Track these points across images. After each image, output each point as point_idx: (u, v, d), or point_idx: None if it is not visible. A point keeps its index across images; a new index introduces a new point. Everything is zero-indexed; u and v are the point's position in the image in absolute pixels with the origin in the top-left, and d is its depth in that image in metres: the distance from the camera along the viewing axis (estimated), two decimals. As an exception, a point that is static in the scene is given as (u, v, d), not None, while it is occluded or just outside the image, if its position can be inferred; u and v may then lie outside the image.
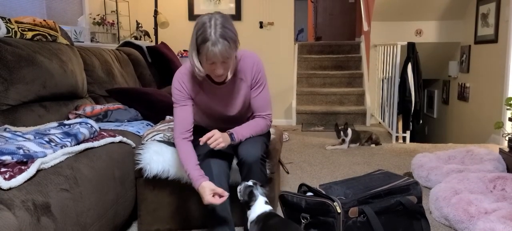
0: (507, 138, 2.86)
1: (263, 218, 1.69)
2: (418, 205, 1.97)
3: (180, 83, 1.86)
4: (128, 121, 2.55)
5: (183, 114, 1.86)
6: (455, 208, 2.18)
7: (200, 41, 1.67)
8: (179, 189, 2.15)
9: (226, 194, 1.76)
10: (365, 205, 1.84)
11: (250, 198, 1.74)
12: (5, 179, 1.29)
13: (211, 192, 1.73)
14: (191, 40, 1.73)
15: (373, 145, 4.27)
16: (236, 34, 1.73)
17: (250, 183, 1.77)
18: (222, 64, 1.70)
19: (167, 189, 2.15)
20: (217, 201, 1.73)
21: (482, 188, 2.40)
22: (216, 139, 1.76)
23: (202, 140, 1.77)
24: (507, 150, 2.86)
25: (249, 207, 1.75)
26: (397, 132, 4.49)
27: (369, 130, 4.63)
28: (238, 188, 1.79)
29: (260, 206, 1.73)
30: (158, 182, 2.13)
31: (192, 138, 1.88)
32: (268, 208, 1.74)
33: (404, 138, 4.50)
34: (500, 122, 3.02)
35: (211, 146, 1.76)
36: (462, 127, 5.24)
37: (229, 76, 1.88)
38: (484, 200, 2.17)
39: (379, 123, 5.49)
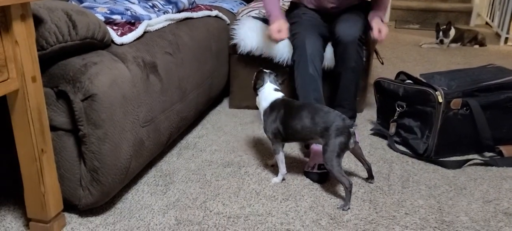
0: None
1: (281, 103, 1.54)
2: (531, 104, 1.79)
3: None
4: (222, -2, 2.55)
5: None
6: None
7: None
8: (271, 69, 2.15)
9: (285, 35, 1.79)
10: (470, 98, 1.72)
11: (257, 83, 1.59)
12: (118, 35, 1.36)
13: (278, 28, 1.78)
14: None
15: (476, 46, 3.90)
16: None
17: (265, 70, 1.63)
18: None
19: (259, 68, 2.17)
20: (281, 36, 1.78)
21: None
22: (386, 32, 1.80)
23: (375, 33, 1.79)
24: None
25: (256, 93, 1.61)
26: (507, 32, 4.01)
27: (475, 29, 4.19)
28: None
29: (270, 92, 1.57)
30: (251, 60, 2.15)
31: None
32: (280, 94, 1.58)
33: (514, 40, 4.03)
34: None
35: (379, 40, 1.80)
36: None
37: None
38: None
39: (486, 23, 4.93)
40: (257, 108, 2.28)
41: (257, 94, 1.62)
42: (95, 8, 1.45)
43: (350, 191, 1.42)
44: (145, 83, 1.39)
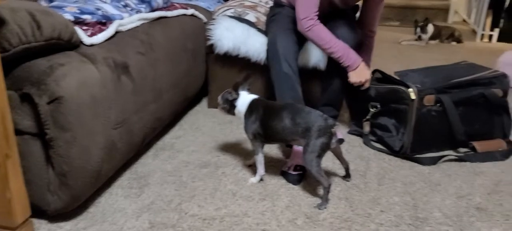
0: None
1: (261, 104, 1.53)
2: (502, 99, 1.83)
3: None
4: (199, -3, 2.52)
5: None
6: (545, 108, 1.99)
7: None
8: (249, 68, 2.14)
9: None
10: (443, 94, 1.73)
11: (232, 98, 1.56)
12: (87, 36, 1.33)
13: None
14: None
15: (454, 42, 3.95)
16: None
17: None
18: None
19: (237, 67, 2.16)
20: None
21: None
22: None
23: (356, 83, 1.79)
24: None
25: (234, 107, 1.58)
26: (483, 29, 4.08)
27: (452, 26, 4.26)
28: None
29: (245, 97, 1.56)
30: (228, 59, 2.14)
31: None
32: (256, 96, 1.57)
33: (490, 37, 4.10)
34: None
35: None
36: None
37: None
38: None
39: (463, 20, 5.01)
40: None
41: (234, 112, 1.60)
42: (64, 8, 1.42)
43: (328, 191, 1.42)
44: (116, 84, 1.36)
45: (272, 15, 1.96)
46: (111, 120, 1.35)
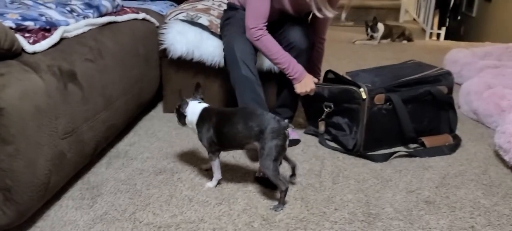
0: (552, 35, 2.67)
1: (212, 112, 1.51)
2: (448, 96, 1.91)
3: None
4: (151, 0, 2.47)
5: (266, 2, 1.70)
6: (486, 102, 2.11)
7: None
8: (203, 72, 2.13)
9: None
10: (392, 93, 1.79)
11: (182, 105, 1.53)
12: (29, 43, 1.28)
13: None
14: None
15: (405, 41, 4.11)
16: None
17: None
18: None
19: (192, 71, 2.14)
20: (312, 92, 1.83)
21: (518, 84, 2.29)
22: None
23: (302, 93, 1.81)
24: (550, 47, 2.69)
25: (184, 117, 1.55)
26: (431, 28, 4.27)
27: (403, 25, 4.42)
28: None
29: (195, 106, 1.53)
30: (183, 63, 2.11)
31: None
32: (206, 104, 1.56)
33: (438, 35, 4.29)
34: (548, 17, 2.79)
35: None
36: (503, 26, 4.92)
37: None
38: (519, 95, 2.08)
39: (413, 19, 5.22)
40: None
41: (185, 122, 1.56)
42: (5, 15, 1.35)
43: (285, 194, 1.43)
44: (63, 93, 1.32)
45: (226, 18, 1.95)
46: (59, 130, 1.30)
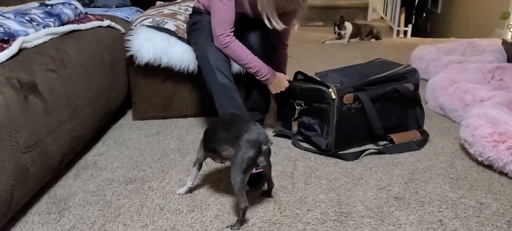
0: (511, 29, 2.77)
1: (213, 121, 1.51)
2: (414, 93, 1.95)
3: None
4: (117, 6, 2.43)
5: (231, 9, 1.71)
6: (451, 97, 2.16)
7: None
8: (172, 77, 2.11)
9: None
10: (360, 92, 1.82)
11: None
12: (-15, 55, 1.23)
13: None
14: None
15: (373, 40, 4.18)
16: None
17: None
18: None
19: (160, 77, 2.11)
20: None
21: (480, 78, 2.37)
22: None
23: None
24: (510, 40, 2.78)
25: None
26: (398, 26, 4.36)
27: (371, 24, 4.50)
28: None
29: None
30: (150, 70, 2.08)
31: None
32: None
33: (405, 33, 4.39)
34: (507, 12, 2.90)
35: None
36: (466, 22, 5.08)
37: None
38: (481, 89, 2.15)
39: (381, 17, 5.32)
40: (163, 117, 2.24)
41: None
42: (-41, 26, 1.30)
43: (244, 214, 1.35)
44: (23, 105, 1.27)
45: (192, 23, 1.94)
46: (20, 144, 1.25)
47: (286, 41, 2.01)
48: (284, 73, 2.06)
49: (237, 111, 1.73)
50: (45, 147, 1.39)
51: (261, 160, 1.32)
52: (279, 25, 1.62)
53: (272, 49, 1.90)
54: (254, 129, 1.31)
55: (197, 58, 1.83)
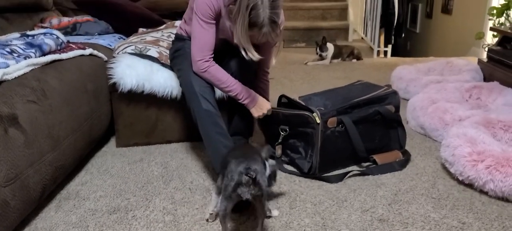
0: (486, 49, 2.85)
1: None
2: (395, 114, 1.99)
3: (213, 1, 1.68)
4: (99, 34, 2.43)
5: (211, 34, 1.72)
6: (431, 117, 2.21)
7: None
8: (155, 104, 2.11)
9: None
10: (343, 115, 1.84)
11: None
12: (-36, 89, 1.22)
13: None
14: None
15: (354, 60, 4.25)
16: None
17: None
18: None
19: (143, 104, 2.11)
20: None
21: (459, 97, 2.43)
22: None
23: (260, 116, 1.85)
24: (485, 60, 2.87)
25: None
26: (378, 46, 4.45)
27: (352, 45, 4.58)
28: None
29: None
30: (134, 96, 2.08)
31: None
32: None
33: (385, 53, 4.49)
34: (481, 32, 3.00)
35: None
36: (444, 41, 5.23)
37: None
38: (459, 108, 2.20)
39: (362, 38, 5.43)
40: (147, 144, 2.23)
41: None
42: None
43: None
44: (3, 139, 1.25)
45: (175, 50, 1.94)
46: (0, 177, 1.23)
47: (267, 68, 2.03)
48: (267, 100, 2.06)
49: (222, 138, 1.73)
50: (26, 179, 1.37)
51: (244, 191, 1.31)
52: (254, 56, 1.64)
53: (254, 75, 1.91)
54: (241, 161, 1.32)
55: (181, 84, 1.84)
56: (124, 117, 2.13)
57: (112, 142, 2.29)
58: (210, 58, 1.72)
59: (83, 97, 1.81)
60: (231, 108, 1.95)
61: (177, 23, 2.63)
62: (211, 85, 1.80)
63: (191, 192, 1.75)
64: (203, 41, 1.71)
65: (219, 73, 1.74)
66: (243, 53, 1.64)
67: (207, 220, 1.54)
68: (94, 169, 1.98)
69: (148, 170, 1.95)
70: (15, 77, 1.45)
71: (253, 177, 1.28)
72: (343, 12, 5.57)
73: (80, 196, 1.73)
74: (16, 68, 1.46)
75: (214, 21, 1.71)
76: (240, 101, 1.80)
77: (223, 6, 1.69)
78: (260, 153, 1.46)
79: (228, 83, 1.75)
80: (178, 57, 1.91)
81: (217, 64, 1.74)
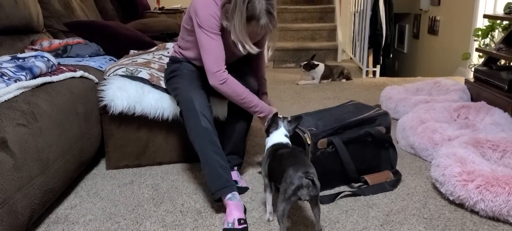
0: (472, 69, 2.91)
1: (275, 148, 1.63)
2: (386, 135, 2.00)
3: (214, 11, 1.69)
4: (90, 56, 2.43)
5: (221, 45, 1.72)
6: (421, 137, 2.23)
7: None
8: (146, 125, 2.10)
9: None
10: (334, 136, 1.85)
11: (271, 126, 1.68)
12: (-48, 113, 1.20)
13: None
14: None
15: (344, 80, 4.29)
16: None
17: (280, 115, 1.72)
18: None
19: (134, 125, 2.10)
20: None
21: (447, 117, 2.46)
22: None
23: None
24: (472, 80, 2.92)
25: (268, 135, 1.69)
26: (367, 66, 4.51)
27: (342, 65, 4.63)
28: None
29: (277, 137, 1.66)
30: (125, 118, 2.07)
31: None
32: (285, 140, 1.66)
33: (374, 73, 4.54)
34: (467, 53, 3.06)
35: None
36: (431, 61, 5.32)
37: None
38: (448, 128, 2.23)
39: (350, 58, 5.50)
40: (137, 166, 2.21)
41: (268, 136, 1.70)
42: None
43: None
44: (-8, 163, 1.24)
45: (171, 71, 1.94)
46: (-12, 203, 1.21)
47: (263, 74, 2.06)
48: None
49: (219, 158, 1.73)
50: (14, 204, 1.35)
51: (304, 194, 1.42)
52: (253, 50, 1.67)
53: (255, 92, 1.92)
54: (300, 170, 1.42)
55: (178, 103, 1.83)
56: (114, 139, 2.11)
57: (102, 164, 2.27)
58: (225, 69, 1.73)
59: (73, 120, 1.80)
60: (228, 128, 1.96)
61: (169, 45, 2.64)
62: (209, 105, 1.80)
63: (182, 215, 1.73)
64: (216, 52, 1.71)
65: (235, 85, 1.75)
66: (241, 48, 1.66)
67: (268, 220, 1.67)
68: (83, 192, 1.95)
69: (138, 193, 1.93)
70: (5, 101, 1.44)
71: (312, 179, 1.41)
72: (332, 33, 5.65)
73: (69, 220, 1.70)
74: (6, 91, 1.45)
75: (220, 33, 1.73)
76: (255, 113, 1.81)
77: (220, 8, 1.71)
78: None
79: (245, 94, 1.76)
80: (175, 77, 1.90)
81: (232, 77, 1.75)
